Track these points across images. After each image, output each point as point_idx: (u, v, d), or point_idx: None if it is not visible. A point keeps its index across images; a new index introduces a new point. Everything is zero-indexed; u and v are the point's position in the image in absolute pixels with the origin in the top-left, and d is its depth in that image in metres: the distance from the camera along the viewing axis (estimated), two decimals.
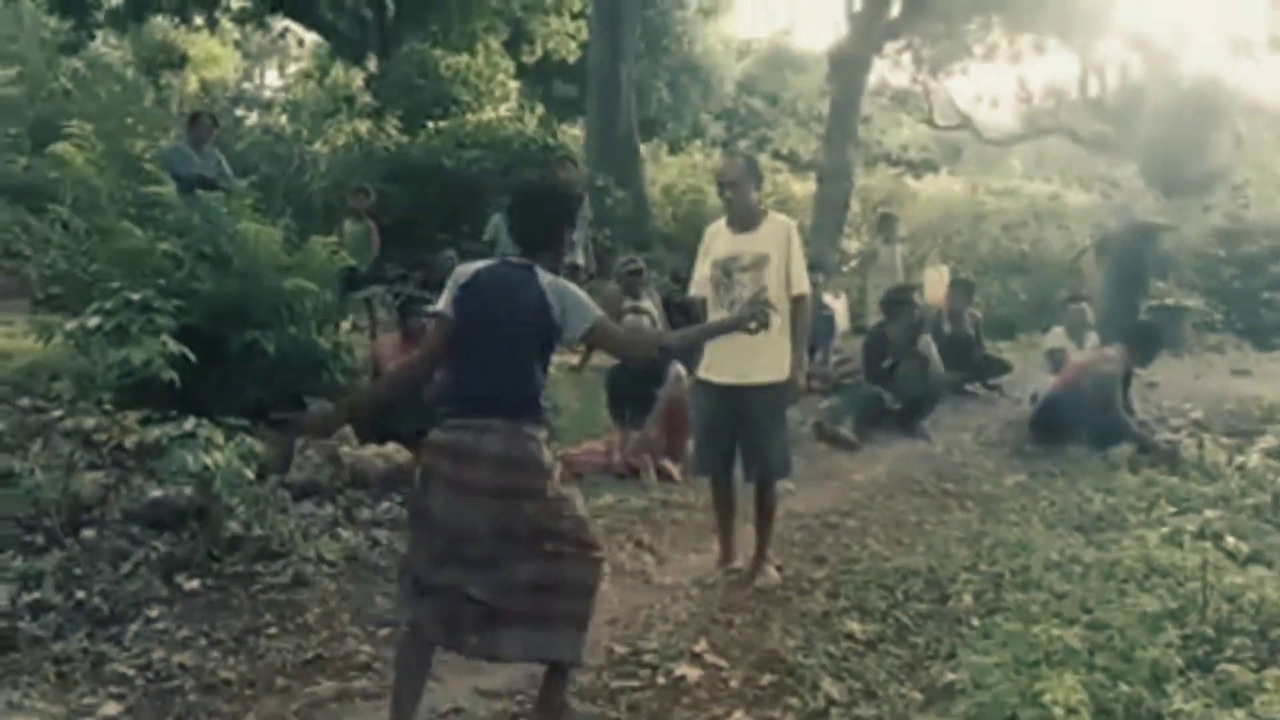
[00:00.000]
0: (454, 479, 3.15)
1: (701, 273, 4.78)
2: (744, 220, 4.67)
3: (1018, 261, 15.36)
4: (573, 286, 3.28)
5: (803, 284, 4.65)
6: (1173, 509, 5.54)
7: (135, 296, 4.85)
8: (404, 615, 3.32)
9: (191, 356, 4.89)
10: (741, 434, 4.73)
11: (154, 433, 4.25)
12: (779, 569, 4.90)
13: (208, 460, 4.14)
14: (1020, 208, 18.84)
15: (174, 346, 4.77)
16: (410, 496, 3.45)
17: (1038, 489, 6.30)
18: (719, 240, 4.74)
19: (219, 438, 4.28)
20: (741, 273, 4.60)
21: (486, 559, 3.15)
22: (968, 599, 4.55)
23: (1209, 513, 5.04)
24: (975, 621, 4.31)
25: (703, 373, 4.79)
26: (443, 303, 3.30)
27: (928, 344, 7.90)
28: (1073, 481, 6.39)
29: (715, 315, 4.65)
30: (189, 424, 4.25)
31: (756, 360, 4.57)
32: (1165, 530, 5.11)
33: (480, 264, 3.34)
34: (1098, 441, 7.01)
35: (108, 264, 6.04)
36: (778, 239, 4.62)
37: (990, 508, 5.99)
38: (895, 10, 15.74)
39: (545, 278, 3.23)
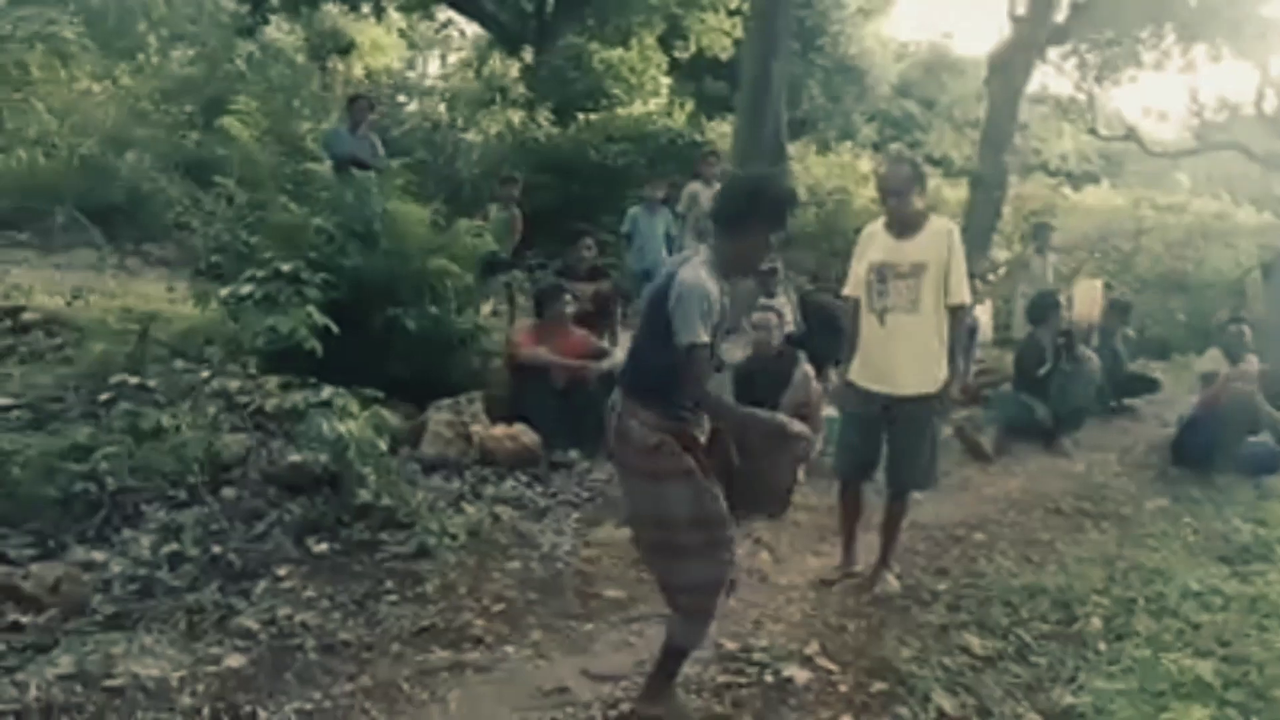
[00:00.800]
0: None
1: (856, 274, 4.65)
2: (904, 225, 4.49)
3: (1178, 280, 14.68)
4: (699, 294, 3.08)
5: (962, 293, 4.48)
6: None
7: (285, 268, 5.04)
8: None
9: (335, 328, 5.04)
10: (889, 443, 4.64)
11: (293, 398, 4.41)
12: (898, 577, 4.80)
13: (341, 428, 4.27)
14: (1184, 224, 18.01)
15: (318, 318, 4.94)
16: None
17: (1180, 514, 6.01)
18: (876, 242, 4.58)
19: (354, 407, 4.42)
20: (898, 279, 4.44)
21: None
22: (1096, 622, 4.39)
23: None
24: (1102, 646, 4.17)
25: (854, 376, 4.69)
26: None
27: (1085, 352, 7.65)
28: (1219, 509, 6.08)
29: (866, 319, 4.56)
30: (326, 392, 4.39)
31: (909, 371, 4.48)
32: None
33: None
34: (1244, 466, 6.67)
35: (265, 236, 6.33)
36: (938, 246, 4.43)
37: (1128, 531, 5.74)
38: (1062, 14, 15.22)
39: (687, 270, 3.14)
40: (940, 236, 4.46)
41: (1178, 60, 18.92)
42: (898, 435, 4.59)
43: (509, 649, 3.95)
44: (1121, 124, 22.63)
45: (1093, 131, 22.18)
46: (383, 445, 4.82)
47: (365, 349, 6.06)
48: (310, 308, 4.97)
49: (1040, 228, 10.90)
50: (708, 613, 3.33)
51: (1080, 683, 3.85)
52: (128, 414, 4.41)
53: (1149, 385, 9.06)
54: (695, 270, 3.14)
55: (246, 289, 4.96)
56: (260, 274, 5.05)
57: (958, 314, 4.52)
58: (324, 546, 4.64)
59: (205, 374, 4.60)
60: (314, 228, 6.03)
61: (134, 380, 4.61)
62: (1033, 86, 21.90)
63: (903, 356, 4.45)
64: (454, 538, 4.83)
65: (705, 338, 3.08)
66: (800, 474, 6.31)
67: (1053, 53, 19.24)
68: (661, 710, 3.43)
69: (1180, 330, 12.47)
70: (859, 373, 4.65)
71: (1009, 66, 14.67)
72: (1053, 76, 20.98)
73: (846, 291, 4.76)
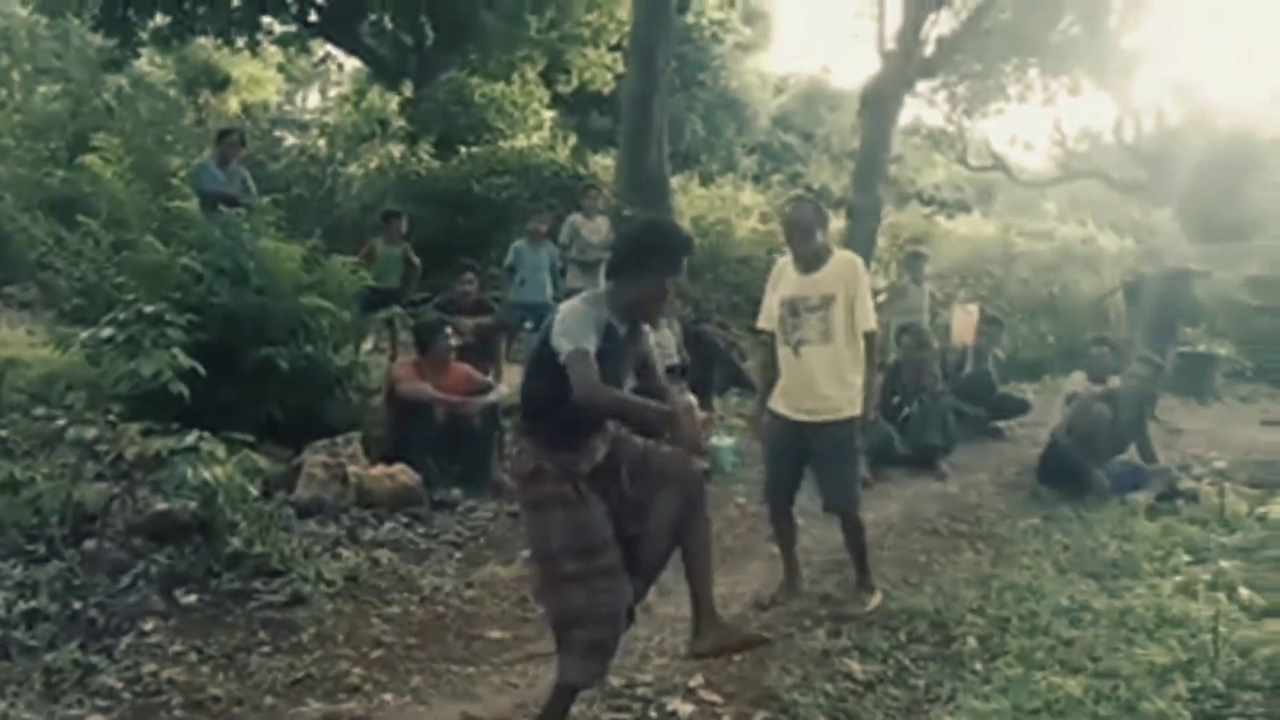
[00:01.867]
0: None
1: (769, 309, 4.85)
2: (811, 261, 4.69)
3: (1046, 304, 15.22)
4: (577, 312, 3.23)
5: (869, 320, 4.68)
6: (1189, 558, 5.42)
7: (148, 309, 4.86)
8: None
9: (202, 370, 4.89)
10: (816, 469, 4.84)
11: (154, 445, 4.25)
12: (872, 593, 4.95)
13: (206, 475, 4.13)
14: (1052, 250, 18.69)
15: (183, 360, 4.77)
16: None
17: (1052, 532, 6.18)
18: (785, 278, 4.79)
19: (220, 452, 4.28)
20: (809, 312, 4.66)
21: None
22: (972, 642, 4.47)
23: (1224, 563, 4.92)
24: (978, 666, 4.24)
25: (775, 405, 4.86)
26: None
27: (934, 380, 7.88)
28: (1088, 526, 6.26)
29: (782, 352, 4.77)
30: (190, 438, 4.24)
31: (825, 398, 4.66)
32: (1179, 580, 5.01)
33: None
34: (1110, 484, 6.93)
35: (131, 276, 6.12)
36: (845, 278, 4.64)
37: (1002, 550, 5.88)
38: (929, 49, 15.73)
39: (566, 303, 3.31)
40: (846, 268, 4.68)
41: (1040, 93, 19.70)
42: (823, 461, 4.78)
43: (387, 697, 3.86)
44: (990, 154, 23.41)
45: (963, 162, 22.92)
46: (253, 490, 4.68)
47: (237, 390, 5.91)
48: (175, 350, 4.80)
49: (913, 256, 11.19)
50: (599, 647, 3.31)
51: (958, 703, 3.90)
52: None
53: (1019, 407, 9.33)
54: (574, 300, 3.31)
55: (107, 332, 4.76)
56: (122, 316, 4.85)
57: (870, 340, 4.71)
58: (193, 598, 4.48)
59: (61, 422, 4.40)
60: (181, 267, 5.85)
61: None
62: (906, 119, 22.65)
63: (819, 385, 4.66)
64: (330, 584, 4.71)
65: (587, 345, 3.13)
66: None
67: (923, 86, 19.85)
68: None
69: (1050, 352, 12.90)
70: (779, 402, 4.84)
71: (880, 100, 15.08)
72: (925, 109, 21.47)
73: (760, 325, 4.97)
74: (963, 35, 16.09)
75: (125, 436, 4.31)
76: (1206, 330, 13.21)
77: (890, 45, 15.24)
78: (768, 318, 4.87)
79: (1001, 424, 9.23)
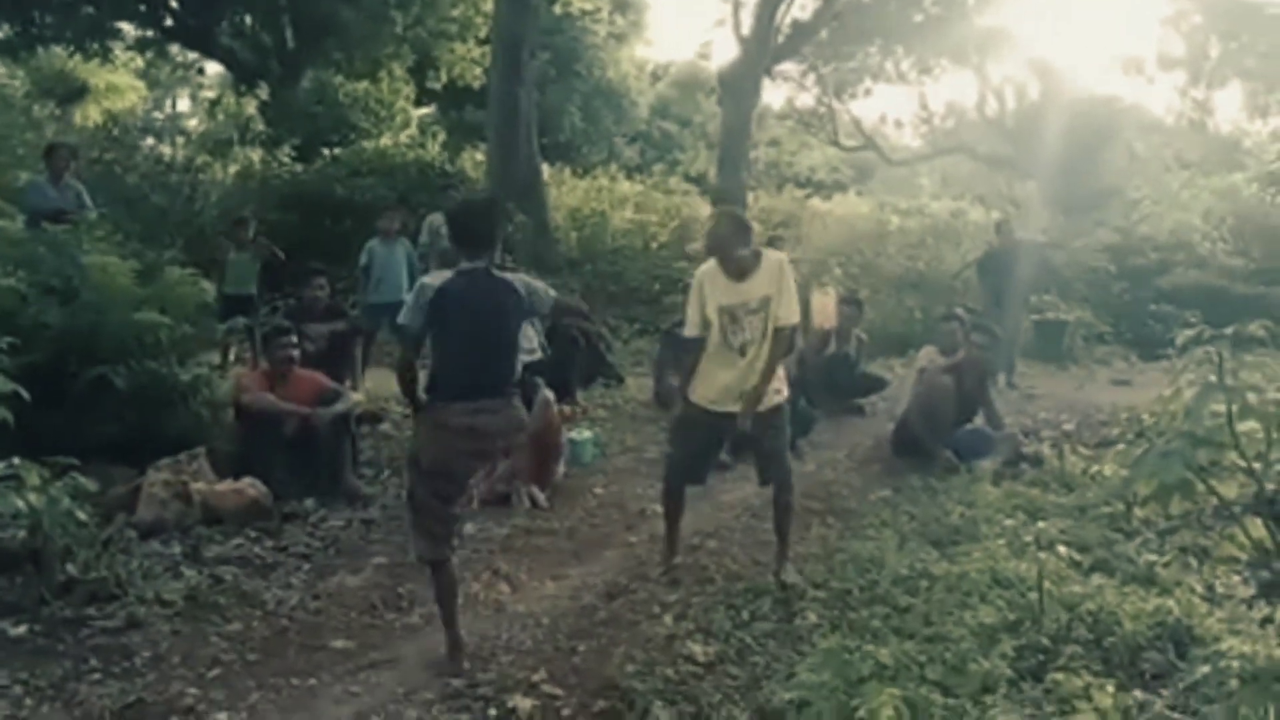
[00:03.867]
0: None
1: (695, 317, 4.99)
2: (743, 269, 4.89)
3: (914, 280, 15.59)
4: (415, 289, 4.08)
5: (794, 316, 4.97)
6: (1025, 520, 5.61)
7: None
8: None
9: (25, 394, 4.72)
10: (759, 452, 5.26)
11: None
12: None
13: (19, 503, 4.00)
14: (921, 227, 19.13)
15: (4, 385, 4.61)
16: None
17: (900, 503, 6.35)
18: (718, 286, 4.93)
19: (35, 478, 4.15)
20: (750, 315, 4.89)
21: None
22: (812, 617, 4.58)
23: (1041, 524, 5.12)
24: (817, 639, 4.33)
25: (704, 401, 5.03)
26: (409, 318, 4.02)
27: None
28: (935, 496, 6.45)
29: (724, 354, 4.95)
30: (0, 465, 4.11)
31: (767, 390, 4.96)
32: (1013, 541, 5.19)
33: (441, 278, 4.03)
34: (957, 451, 7.16)
35: None
36: (775, 278, 4.88)
37: (850, 523, 6.03)
38: (783, 35, 15.95)
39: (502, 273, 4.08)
40: (774, 268, 4.91)
41: (900, 73, 20.12)
42: (764, 444, 5.13)
43: (222, 716, 3.78)
44: (861, 134, 23.86)
45: (835, 143, 23.32)
46: (82, 515, 4.54)
47: (72, 412, 5.72)
48: None
49: (772, 241, 11.35)
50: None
51: (795, 678, 3.99)
52: None
53: (877, 383, 9.56)
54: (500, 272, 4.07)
55: None
56: None
57: (780, 334, 4.92)
58: (22, 629, 4.33)
59: None
60: (3, 288, 5.64)
61: None
62: (778, 102, 22.97)
63: (749, 379, 4.92)
64: (168, 605, 4.60)
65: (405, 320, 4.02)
66: (544, 501, 6.38)
67: (792, 69, 20.15)
68: None
69: (917, 327, 13.21)
70: (711, 398, 5.02)
71: (737, 84, 15.26)
72: (796, 92, 21.79)
73: (690, 333, 5.06)
74: (818, 19, 16.33)
75: None
76: (1062, 296, 13.69)
77: (746, 31, 15.42)
78: (697, 325, 4.99)
79: (862, 400, 9.44)
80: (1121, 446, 5.64)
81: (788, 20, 16.01)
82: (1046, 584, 4.41)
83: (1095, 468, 6.41)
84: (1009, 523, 5.57)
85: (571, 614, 4.75)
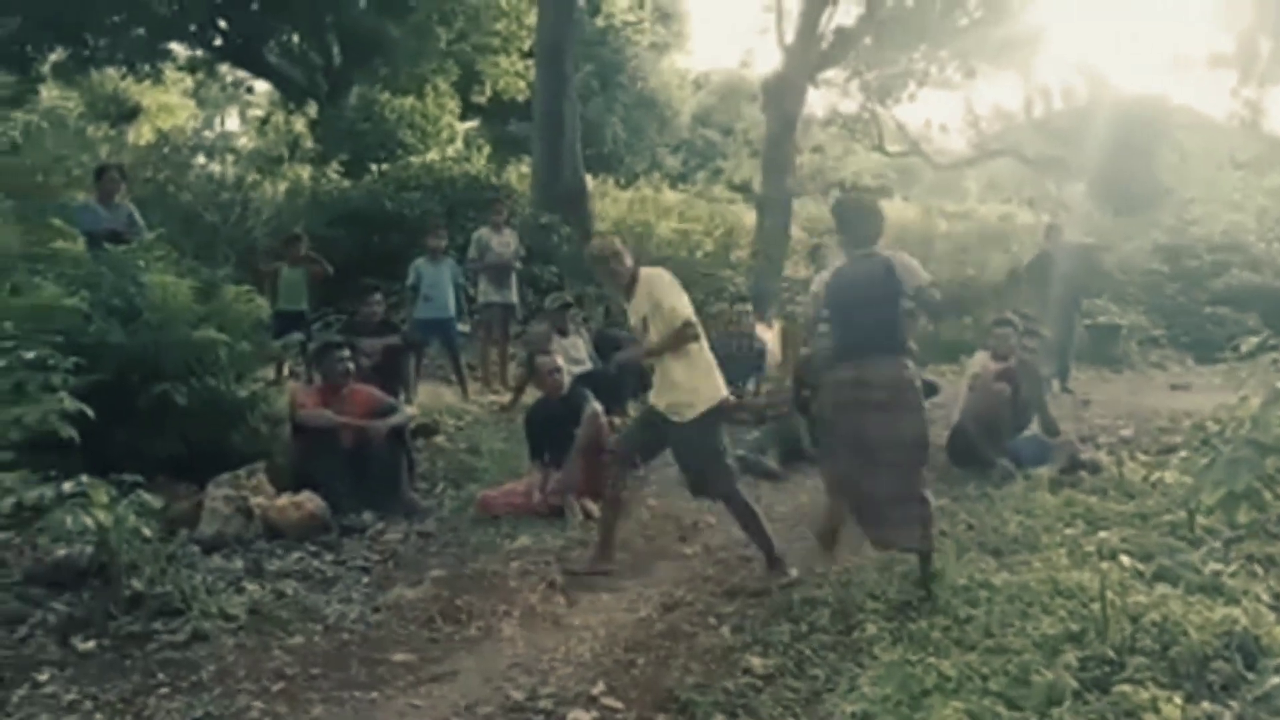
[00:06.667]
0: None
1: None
2: (625, 291, 5.33)
3: (963, 285, 15.45)
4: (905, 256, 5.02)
5: (680, 315, 5.13)
6: (1086, 528, 5.54)
7: (30, 354, 4.78)
8: None
9: (90, 413, 4.81)
10: (686, 465, 5.37)
11: (32, 494, 4.19)
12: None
13: (88, 520, 4.08)
14: (969, 231, 18.97)
15: (70, 403, 4.70)
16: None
17: (957, 512, 6.28)
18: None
19: (102, 496, 4.23)
20: (644, 333, 5.25)
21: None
22: (872, 628, 4.53)
23: (1103, 533, 5.05)
24: (877, 651, 4.29)
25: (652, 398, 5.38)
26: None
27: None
28: (992, 504, 6.38)
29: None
30: (69, 484, 4.19)
31: (676, 402, 5.18)
32: (1074, 551, 5.12)
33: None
34: (1014, 460, 7.08)
35: (20, 320, 6.00)
36: (649, 297, 5.20)
37: None
38: (827, 41, 15.91)
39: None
40: (645, 288, 5.25)
41: (944, 77, 19.97)
42: (688, 456, 5.28)
43: None
44: (906, 139, 23.70)
45: (879, 148, 23.18)
46: (148, 530, 4.62)
47: (136, 429, 5.83)
48: (62, 394, 4.72)
49: (817, 249, 11.34)
50: None
51: (856, 690, 3.97)
52: None
53: (928, 389, 9.44)
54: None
55: None
56: (3, 363, 4.77)
57: (682, 329, 5.13)
58: (90, 644, 4.41)
59: None
60: (68, 308, 5.76)
61: None
62: (821, 109, 22.87)
63: (672, 391, 5.19)
64: (232, 619, 4.67)
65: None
66: (599, 513, 6.39)
67: (835, 75, 20.05)
68: None
69: (968, 333, 13.09)
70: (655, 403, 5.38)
71: (781, 92, 15.21)
72: (840, 98, 21.67)
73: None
74: (862, 26, 16.27)
75: (3, 487, 4.24)
76: (1115, 299, 13.51)
77: (790, 38, 15.39)
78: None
79: None
80: (1185, 454, 5.56)
81: (831, 27, 15.97)
82: (1110, 594, 4.34)
83: (1157, 475, 6.30)
84: (1069, 531, 5.51)
85: (628, 626, 4.75)
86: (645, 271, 5.33)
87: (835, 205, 5.26)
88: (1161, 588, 4.65)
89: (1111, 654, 4.01)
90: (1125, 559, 4.77)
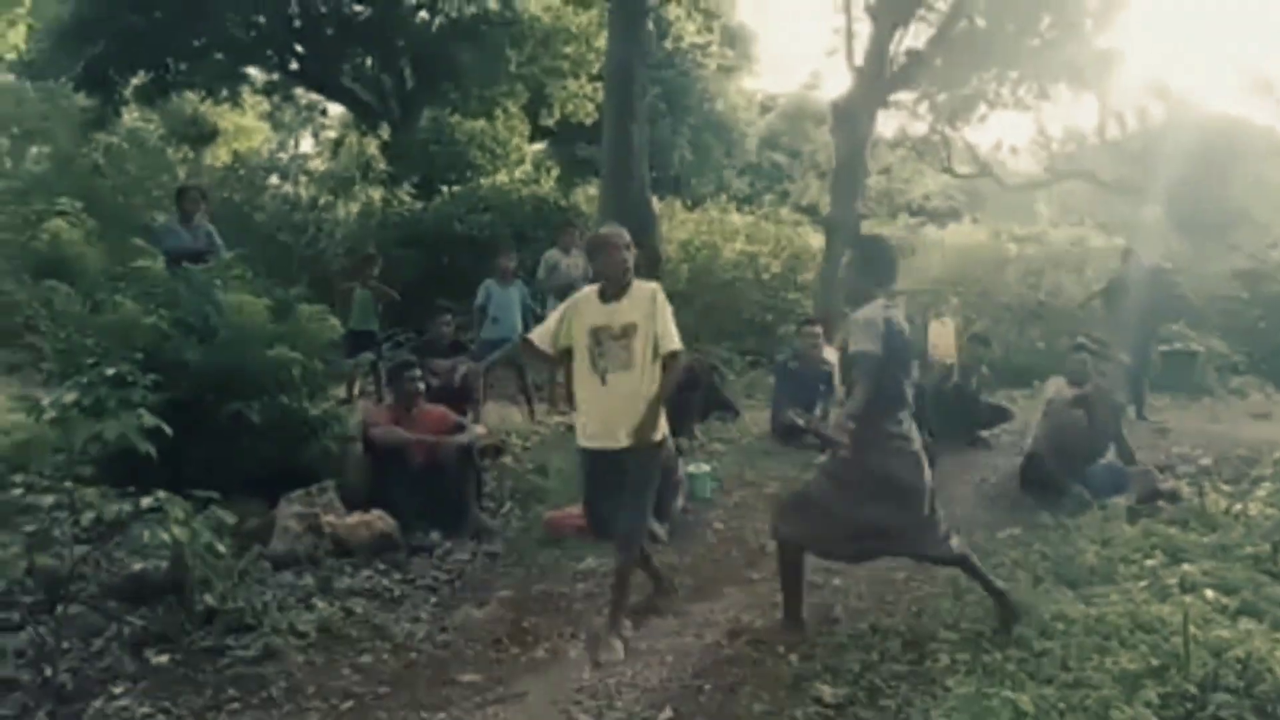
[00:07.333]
0: None
1: (548, 326, 4.96)
2: (614, 290, 4.81)
3: (1035, 309, 15.21)
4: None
5: (671, 343, 4.75)
6: (1166, 560, 5.39)
7: (110, 371, 4.88)
8: None
9: (168, 429, 4.90)
10: (619, 495, 4.79)
11: (112, 509, 4.27)
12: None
13: (165, 535, 4.14)
14: (1041, 254, 18.68)
15: (148, 420, 4.79)
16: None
17: (1032, 541, 6.14)
18: (590, 307, 4.84)
19: (179, 512, 4.29)
20: (612, 341, 4.75)
21: None
22: (944, 659, 4.45)
23: (1187, 566, 4.90)
24: (950, 683, 4.21)
25: (580, 438, 4.93)
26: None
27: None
28: (1068, 534, 6.23)
29: (588, 381, 4.79)
30: (147, 500, 4.26)
31: (630, 425, 4.67)
32: (1154, 583, 4.99)
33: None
34: (1090, 488, 6.92)
35: (102, 337, 6.15)
36: (644, 308, 4.76)
37: (980, 562, 5.85)
38: (898, 64, 15.81)
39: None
40: (645, 298, 4.79)
41: (1017, 99, 19.72)
42: (626, 486, 4.75)
43: None
44: (976, 161, 23.43)
45: (949, 170, 22.95)
46: (222, 547, 4.68)
47: (211, 446, 5.91)
48: (140, 410, 4.82)
49: None
50: None
51: None
52: None
53: (1000, 415, 9.33)
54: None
55: (71, 396, 4.78)
56: (85, 379, 4.88)
57: (670, 362, 4.77)
58: (164, 658, 4.49)
59: (18, 490, 4.43)
60: (147, 326, 5.89)
61: None
62: (890, 130, 22.72)
63: (623, 412, 4.69)
64: (302, 636, 4.72)
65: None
66: (663, 535, 6.37)
67: (905, 97, 19.90)
68: None
69: (1040, 358, 12.87)
70: (584, 434, 4.88)
71: (851, 115, 15.13)
72: (909, 120, 21.51)
73: (532, 336, 5.07)
74: (932, 48, 16.14)
75: (82, 501, 4.33)
76: (1192, 325, 13.20)
77: (860, 61, 15.33)
78: (543, 334, 4.95)
79: (986, 433, 9.22)
80: (1271, 485, 5.39)
81: (901, 49, 15.89)
82: (1192, 628, 4.22)
83: (1239, 506, 6.12)
84: (1149, 563, 5.37)
85: (696, 651, 4.71)
86: (644, 283, 4.91)
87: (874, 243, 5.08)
88: (1245, 623, 4.52)
89: (1194, 690, 3.91)
90: (1208, 592, 4.64)
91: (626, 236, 4.88)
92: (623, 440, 4.70)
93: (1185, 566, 4.88)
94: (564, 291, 9.99)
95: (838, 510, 4.60)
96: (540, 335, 4.97)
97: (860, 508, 4.56)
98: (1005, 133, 74.12)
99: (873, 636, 4.73)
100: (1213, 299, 15.10)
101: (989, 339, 10.47)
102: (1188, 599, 4.43)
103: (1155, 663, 4.12)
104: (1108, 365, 7.96)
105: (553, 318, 5.00)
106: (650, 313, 4.73)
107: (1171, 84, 21.53)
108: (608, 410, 4.75)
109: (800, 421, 6.54)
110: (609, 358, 4.74)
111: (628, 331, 4.73)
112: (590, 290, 4.94)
